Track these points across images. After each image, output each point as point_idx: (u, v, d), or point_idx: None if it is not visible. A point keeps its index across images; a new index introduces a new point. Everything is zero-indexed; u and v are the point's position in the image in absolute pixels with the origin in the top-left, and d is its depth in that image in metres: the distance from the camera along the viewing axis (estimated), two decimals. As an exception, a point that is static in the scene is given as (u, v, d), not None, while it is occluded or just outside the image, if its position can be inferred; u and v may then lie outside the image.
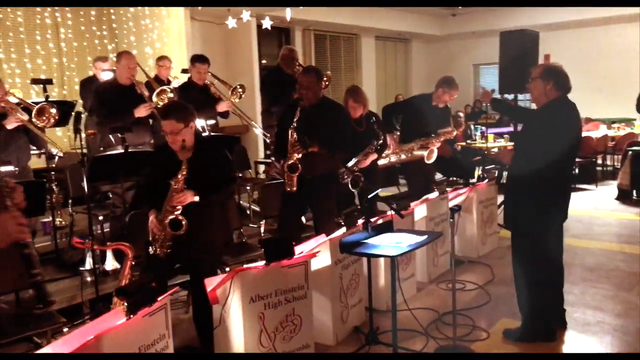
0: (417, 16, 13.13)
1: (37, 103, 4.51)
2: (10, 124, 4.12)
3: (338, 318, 3.67)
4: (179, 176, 3.21)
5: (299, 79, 4.21)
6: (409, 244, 3.12)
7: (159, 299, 2.67)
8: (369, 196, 3.61)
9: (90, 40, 8.09)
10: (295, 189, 4.10)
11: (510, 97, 6.96)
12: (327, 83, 6.11)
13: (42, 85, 5.75)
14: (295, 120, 4.06)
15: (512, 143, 3.79)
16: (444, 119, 5.60)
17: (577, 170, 9.24)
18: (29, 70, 7.29)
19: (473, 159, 8.87)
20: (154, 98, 4.98)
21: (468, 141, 9.41)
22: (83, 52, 7.97)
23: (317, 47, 11.96)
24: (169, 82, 6.44)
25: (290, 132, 4.05)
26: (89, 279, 4.30)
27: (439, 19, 13.58)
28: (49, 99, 5.32)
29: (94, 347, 2.28)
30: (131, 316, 2.48)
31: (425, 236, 3.30)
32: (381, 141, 4.95)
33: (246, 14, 7.75)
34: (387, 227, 3.49)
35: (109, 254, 4.48)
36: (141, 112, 4.88)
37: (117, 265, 4.40)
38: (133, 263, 3.29)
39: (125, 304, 2.51)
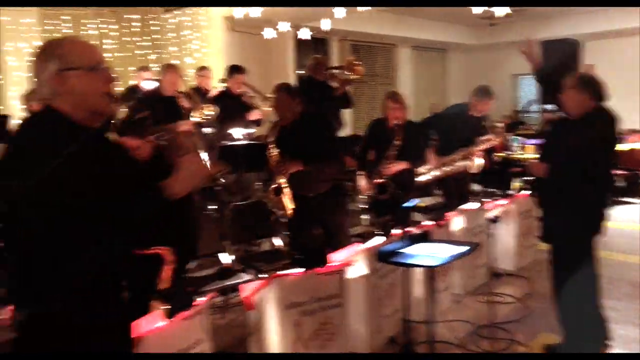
0: (455, 26, 13.01)
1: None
2: None
3: (373, 328, 3.64)
4: None
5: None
6: (449, 255, 3.07)
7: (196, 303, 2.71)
8: (404, 205, 3.58)
9: (133, 50, 8.34)
10: (290, 212, 4.01)
11: (550, 107, 6.82)
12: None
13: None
14: (272, 139, 3.99)
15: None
16: (481, 127, 5.51)
17: (622, 183, 8.96)
18: (74, 80, 7.55)
19: (510, 170, 8.70)
20: (194, 115, 5.22)
21: (506, 152, 9.24)
22: (126, 63, 8.23)
23: (354, 57, 11.97)
24: (207, 92, 6.58)
25: (268, 153, 3.99)
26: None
27: (476, 29, 13.42)
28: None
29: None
30: (169, 319, 2.52)
31: (465, 247, 3.24)
32: (396, 142, 4.77)
33: (283, 25, 7.83)
34: (424, 237, 3.45)
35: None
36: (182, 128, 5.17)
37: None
38: (173, 266, 3.33)
39: (163, 307, 2.55)
